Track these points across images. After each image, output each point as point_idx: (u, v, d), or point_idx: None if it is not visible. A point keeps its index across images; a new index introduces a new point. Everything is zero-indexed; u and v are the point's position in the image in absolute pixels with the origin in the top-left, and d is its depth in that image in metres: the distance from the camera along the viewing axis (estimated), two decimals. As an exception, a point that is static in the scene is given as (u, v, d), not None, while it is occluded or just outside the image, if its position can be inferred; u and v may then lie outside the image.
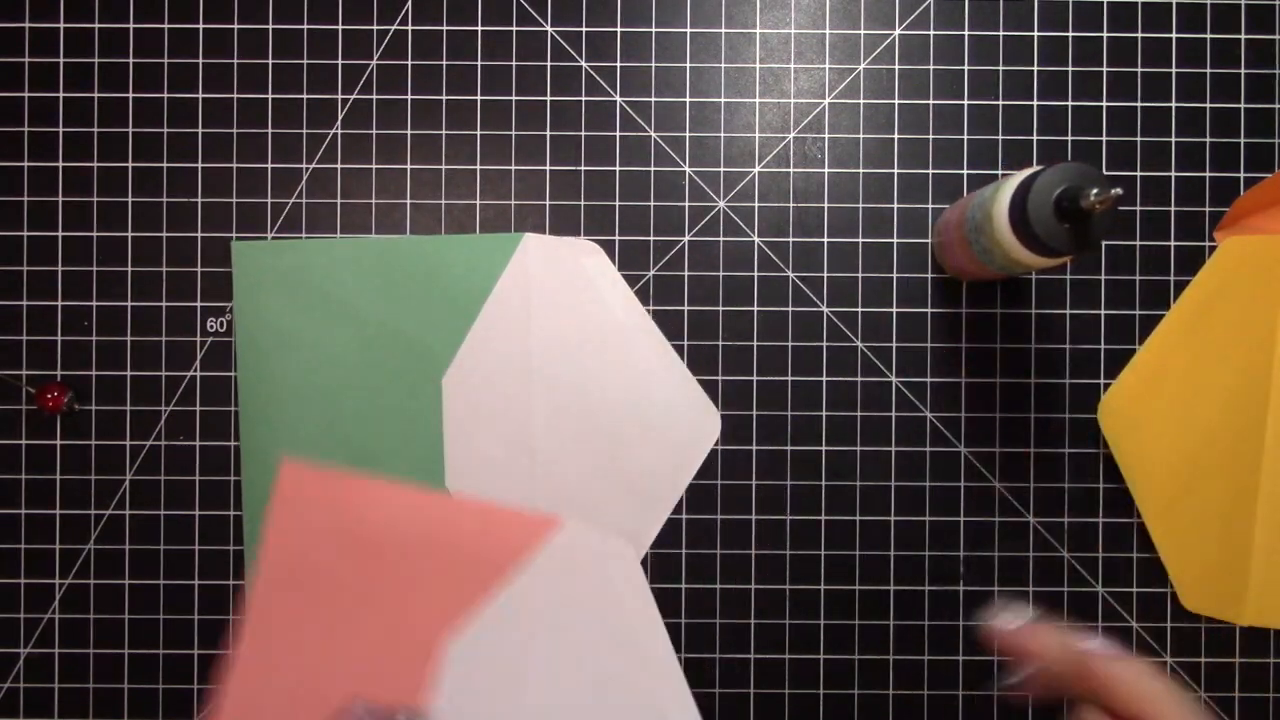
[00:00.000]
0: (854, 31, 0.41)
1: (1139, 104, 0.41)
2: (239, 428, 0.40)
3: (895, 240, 0.41)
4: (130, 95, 0.41)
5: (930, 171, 0.41)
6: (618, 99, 0.41)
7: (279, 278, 0.40)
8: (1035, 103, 0.41)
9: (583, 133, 0.41)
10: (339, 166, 0.41)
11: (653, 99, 0.41)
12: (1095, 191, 0.29)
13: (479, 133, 0.41)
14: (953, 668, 0.40)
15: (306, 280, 0.40)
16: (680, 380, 0.40)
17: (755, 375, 0.40)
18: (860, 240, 0.41)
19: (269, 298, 0.40)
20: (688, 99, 0.41)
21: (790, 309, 0.40)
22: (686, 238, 0.41)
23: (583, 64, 0.41)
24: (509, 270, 0.40)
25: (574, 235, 0.41)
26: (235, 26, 0.41)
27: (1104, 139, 0.41)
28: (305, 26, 0.41)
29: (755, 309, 0.40)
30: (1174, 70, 0.41)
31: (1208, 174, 0.41)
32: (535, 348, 0.40)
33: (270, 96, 0.41)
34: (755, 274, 0.40)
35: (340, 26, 0.41)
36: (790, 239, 0.41)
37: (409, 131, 0.41)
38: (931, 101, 0.41)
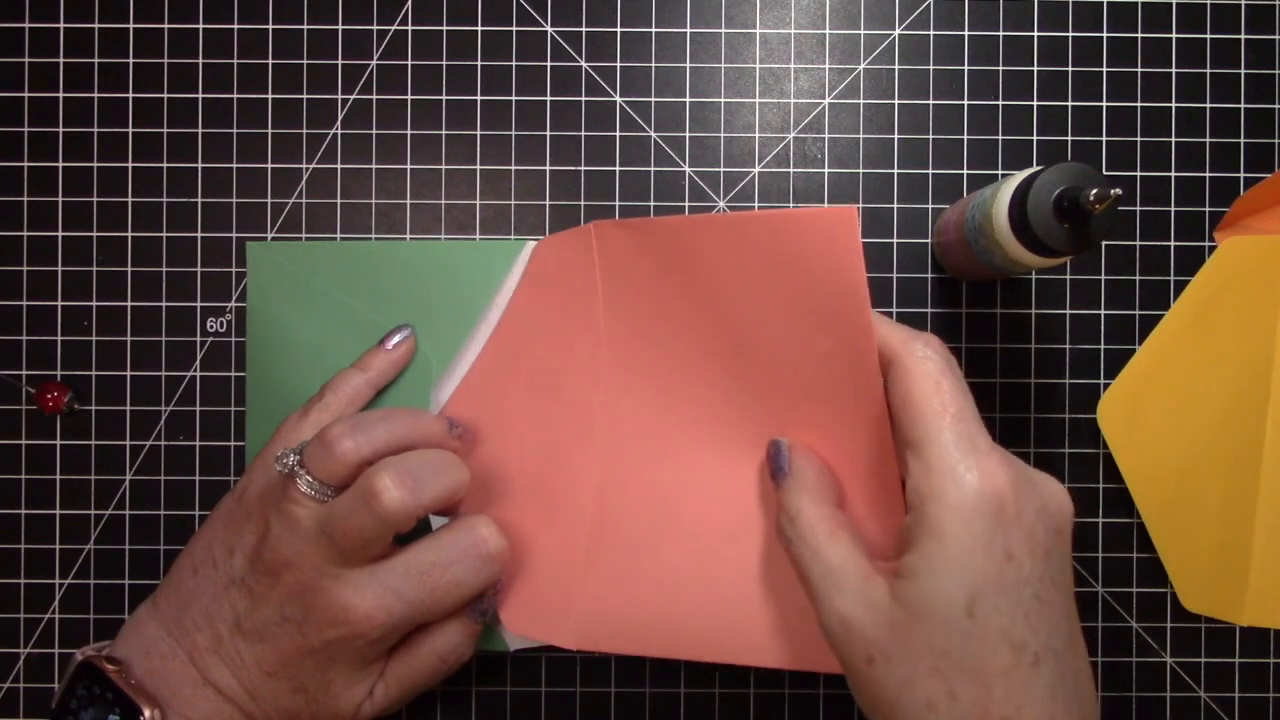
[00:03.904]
0: (854, 31, 0.41)
1: (1139, 104, 0.41)
2: (245, 428, 0.40)
3: (895, 240, 0.41)
4: (130, 95, 0.41)
5: (930, 171, 0.41)
6: (618, 99, 0.41)
7: (292, 279, 0.40)
8: (1035, 103, 0.41)
9: (583, 133, 0.41)
10: (339, 166, 0.41)
11: (653, 99, 0.41)
12: (1095, 191, 0.29)
13: (479, 133, 0.41)
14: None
15: (319, 283, 0.40)
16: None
17: (755, 375, 0.40)
18: (860, 240, 0.40)
19: (282, 299, 0.40)
20: (688, 99, 0.41)
21: (790, 309, 0.40)
22: (686, 238, 0.41)
23: (583, 64, 0.41)
24: (511, 275, 0.39)
25: (574, 235, 0.41)
26: (235, 26, 0.41)
27: (1104, 139, 0.41)
28: (305, 26, 0.41)
29: (755, 309, 0.40)
30: (1174, 70, 0.41)
31: (1208, 174, 0.41)
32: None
33: (270, 96, 0.41)
34: (755, 274, 0.40)
35: (340, 26, 0.41)
36: (790, 239, 0.41)
37: (409, 131, 0.41)
38: (931, 101, 0.41)
